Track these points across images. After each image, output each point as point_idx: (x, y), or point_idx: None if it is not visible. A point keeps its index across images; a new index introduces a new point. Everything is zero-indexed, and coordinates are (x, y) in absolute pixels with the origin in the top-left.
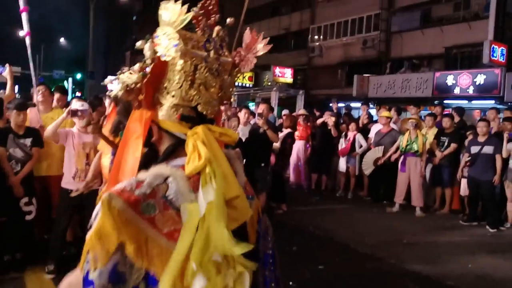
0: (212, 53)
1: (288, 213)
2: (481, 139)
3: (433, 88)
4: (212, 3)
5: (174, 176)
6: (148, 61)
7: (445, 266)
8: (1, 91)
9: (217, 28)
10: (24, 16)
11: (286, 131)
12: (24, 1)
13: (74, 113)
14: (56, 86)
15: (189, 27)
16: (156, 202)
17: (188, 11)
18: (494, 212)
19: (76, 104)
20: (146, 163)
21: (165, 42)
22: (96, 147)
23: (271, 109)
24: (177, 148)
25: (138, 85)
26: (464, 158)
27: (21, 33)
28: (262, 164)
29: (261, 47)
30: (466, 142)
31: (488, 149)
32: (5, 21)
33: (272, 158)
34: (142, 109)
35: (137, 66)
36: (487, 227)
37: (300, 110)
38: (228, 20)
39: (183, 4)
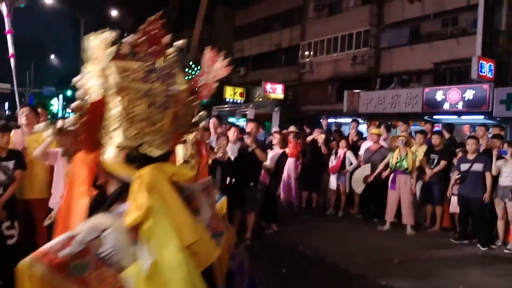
0: (156, 84)
1: (278, 233)
2: (470, 156)
3: (423, 104)
4: (156, 27)
5: (114, 228)
6: (84, 100)
7: (436, 285)
8: None
9: (165, 53)
10: (9, 38)
11: (279, 150)
12: (9, 23)
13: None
14: (37, 103)
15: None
16: (90, 260)
17: (122, 38)
18: (485, 230)
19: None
20: (96, 206)
21: (94, 80)
22: None
23: (262, 126)
24: (124, 191)
25: (76, 126)
26: (454, 175)
27: (11, 50)
28: (251, 184)
29: (219, 70)
30: (455, 160)
31: (478, 167)
32: None
33: (266, 178)
34: (85, 151)
35: (74, 105)
36: (478, 245)
37: (290, 127)
38: (179, 42)
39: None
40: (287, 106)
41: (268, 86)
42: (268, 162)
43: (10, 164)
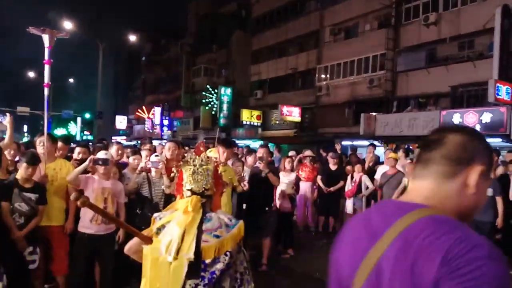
0: None
1: (294, 258)
2: None
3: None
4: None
5: None
6: None
7: None
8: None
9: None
10: (47, 68)
11: (293, 174)
12: (49, 54)
13: (96, 161)
14: (59, 136)
15: None
16: None
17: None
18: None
19: (100, 154)
20: None
21: None
22: (114, 193)
23: (278, 149)
24: None
25: None
26: None
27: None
28: (266, 208)
29: None
30: None
31: (488, 191)
32: (16, 60)
33: (288, 204)
34: None
35: None
36: None
37: (306, 152)
38: None
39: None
40: (304, 129)
41: (285, 109)
42: (283, 186)
43: (33, 196)
